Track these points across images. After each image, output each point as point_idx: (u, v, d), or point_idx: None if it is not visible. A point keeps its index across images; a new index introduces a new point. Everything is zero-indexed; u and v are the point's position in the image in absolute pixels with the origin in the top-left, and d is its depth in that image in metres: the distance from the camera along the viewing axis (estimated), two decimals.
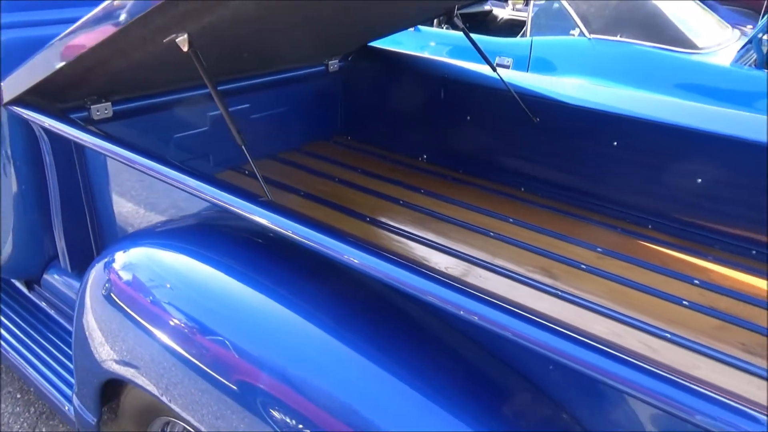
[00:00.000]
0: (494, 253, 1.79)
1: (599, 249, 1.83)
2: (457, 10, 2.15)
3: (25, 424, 1.89)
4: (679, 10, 3.51)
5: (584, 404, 0.97)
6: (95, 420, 1.44)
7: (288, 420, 0.99)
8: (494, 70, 2.13)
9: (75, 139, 1.41)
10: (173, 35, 1.26)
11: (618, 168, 2.01)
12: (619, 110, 1.95)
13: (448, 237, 1.87)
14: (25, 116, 1.54)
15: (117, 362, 1.25)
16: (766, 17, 3.17)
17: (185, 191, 1.18)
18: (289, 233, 1.02)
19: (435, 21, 4.41)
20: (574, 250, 1.83)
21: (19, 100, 1.55)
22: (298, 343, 1.05)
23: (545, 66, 3.55)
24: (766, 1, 3.32)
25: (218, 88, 2.05)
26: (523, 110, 2.10)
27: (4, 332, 1.84)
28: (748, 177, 1.77)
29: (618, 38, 3.37)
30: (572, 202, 2.13)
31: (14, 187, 1.75)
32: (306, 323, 1.07)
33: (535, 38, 3.61)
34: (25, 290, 2.00)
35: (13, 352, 1.78)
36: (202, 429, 1.14)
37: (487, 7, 5.42)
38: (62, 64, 1.35)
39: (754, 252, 1.84)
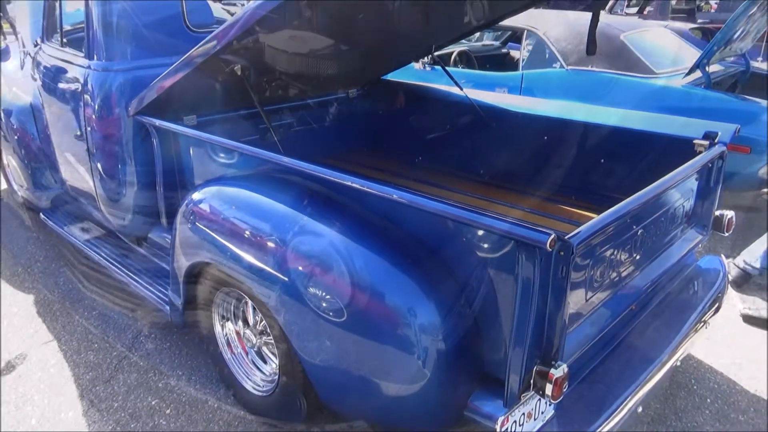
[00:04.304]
0: None
1: (509, 205, 2.62)
2: (434, 50, 3.01)
3: (134, 330, 2.81)
4: (645, 43, 4.25)
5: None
6: (181, 301, 2.29)
7: (300, 270, 1.77)
8: (461, 89, 2.95)
9: (179, 132, 2.32)
10: (231, 65, 2.16)
11: (546, 155, 2.77)
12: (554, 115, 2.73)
13: None
14: (145, 122, 2.48)
15: (198, 252, 2.11)
16: (707, 46, 3.85)
17: (248, 155, 2.04)
18: (304, 170, 1.84)
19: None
20: (489, 206, 2.62)
21: (139, 113, 2.50)
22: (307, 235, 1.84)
23: (533, 93, 4.34)
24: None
25: (268, 108, 2.97)
26: (484, 119, 2.90)
27: (128, 270, 2.76)
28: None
29: (590, 68, 4.14)
30: (510, 180, 2.90)
31: (133, 173, 2.68)
32: (322, 225, 1.81)
33: (525, 71, 4.42)
34: (135, 245, 2.93)
35: (132, 281, 2.68)
36: (253, 293, 1.94)
37: (504, 50, 6.36)
38: (164, 89, 2.27)
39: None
